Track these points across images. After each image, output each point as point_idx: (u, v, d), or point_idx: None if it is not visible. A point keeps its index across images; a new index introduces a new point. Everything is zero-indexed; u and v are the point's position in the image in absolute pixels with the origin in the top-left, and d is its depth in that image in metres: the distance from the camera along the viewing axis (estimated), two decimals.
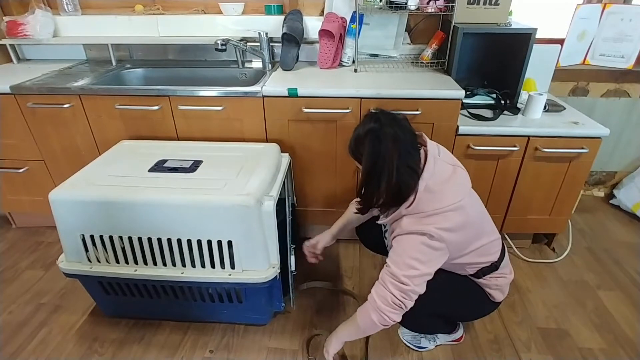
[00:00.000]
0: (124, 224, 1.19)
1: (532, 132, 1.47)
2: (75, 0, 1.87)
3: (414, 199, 0.98)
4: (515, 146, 1.49)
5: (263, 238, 1.20)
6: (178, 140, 1.59)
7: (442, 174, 1.02)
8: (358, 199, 1.10)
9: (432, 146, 1.05)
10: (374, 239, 1.39)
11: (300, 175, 1.65)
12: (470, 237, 1.05)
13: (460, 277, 1.16)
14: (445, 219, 0.98)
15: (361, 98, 1.45)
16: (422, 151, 1.03)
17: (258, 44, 1.76)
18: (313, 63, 1.83)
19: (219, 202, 1.14)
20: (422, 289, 1.01)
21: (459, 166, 1.09)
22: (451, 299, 1.18)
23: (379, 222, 1.12)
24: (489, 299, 1.19)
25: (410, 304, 1.01)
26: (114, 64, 1.91)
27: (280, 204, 1.41)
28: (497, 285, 1.17)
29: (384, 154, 0.96)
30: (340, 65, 1.79)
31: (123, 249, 1.23)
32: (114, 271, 1.25)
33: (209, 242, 1.19)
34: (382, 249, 1.32)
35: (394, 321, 1.02)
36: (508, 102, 1.62)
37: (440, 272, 1.03)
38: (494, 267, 1.13)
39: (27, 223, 1.98)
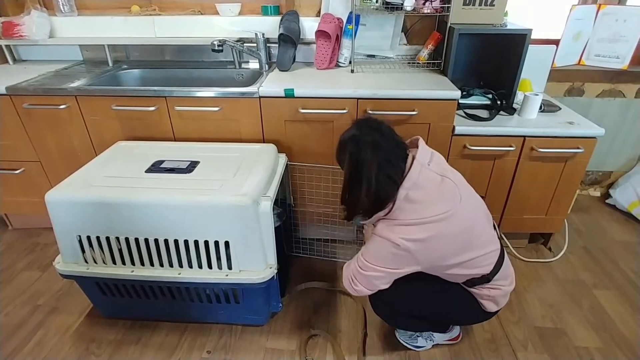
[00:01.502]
0: (120, 225, 1.19)
1: (528, 132, 1.48)
2: (72, 0, 1.87)
3: (393, 206, 0.99)
4: (511, 146, 1.50)
5: (260, 238, 1.20)
6: (175, 140, 1.59)
7: (427, 185, 0.99)
8: (342, 207, 1.10)
9: (424, 153, 1.03)
10: None
11: (297, 175, 1.65)
12: (454, 249, 1.02)
13: (453, 284, 1.13)
14: (420, 230, 0.97)
15: (358, 98, 1.46)
16: (410, 158, 1.01)
17: (255, 44, 1.76)
18: (310, 64, 1.83)
19: (216, 202, 1.14)
20: (381, 284, 1.06)
21: (448, 177, 1.04)
22: (441, 306, 1.17)
23: (360, 222, 1.12)
24: (481, 309, 1.15)
25: (360, 287, 1.07)
26: (110, 64, 1.90)
27: (282, 206, 1.42)
28: (489, 296, 1.11)
29: (362, 162, 0.96)
30: (337, 65, 1.79)
31: (120, 250, 1.23)
32: (111, 272, 1.24)
33: (206, 243, 1.19)
34: None
35: (347, 287, 1.11)
36: (504, 102, 1.62)
37: (431, 278, 1.04)
38: (485, 279, 1.07)
39: (23, 224, 1.97)
